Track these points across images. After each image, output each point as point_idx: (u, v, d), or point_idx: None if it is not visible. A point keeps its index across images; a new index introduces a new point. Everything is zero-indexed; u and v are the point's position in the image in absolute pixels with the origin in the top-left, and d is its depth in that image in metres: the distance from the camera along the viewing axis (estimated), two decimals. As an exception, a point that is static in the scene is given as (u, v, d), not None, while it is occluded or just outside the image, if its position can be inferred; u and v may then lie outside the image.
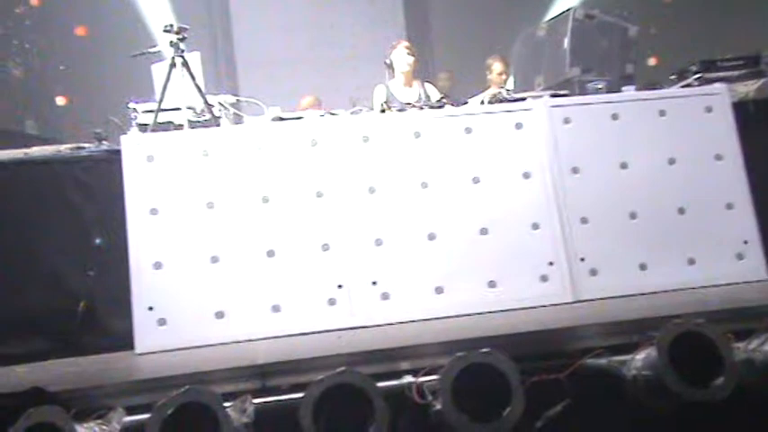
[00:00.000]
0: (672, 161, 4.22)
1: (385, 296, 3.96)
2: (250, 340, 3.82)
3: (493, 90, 6.37)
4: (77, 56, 8.46)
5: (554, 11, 8.05)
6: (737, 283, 4.05)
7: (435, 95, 6.01)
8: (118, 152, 4.03)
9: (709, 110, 4.28)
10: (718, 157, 4.23)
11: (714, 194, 4.19)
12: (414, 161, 4.13)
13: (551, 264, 4.05)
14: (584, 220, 4.11)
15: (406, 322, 3.91)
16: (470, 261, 4.04)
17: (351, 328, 3.88)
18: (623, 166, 4.19)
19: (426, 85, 6.17)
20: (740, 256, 4.14)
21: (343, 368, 2.76)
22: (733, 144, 4.23)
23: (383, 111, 4.67)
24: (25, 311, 3.99)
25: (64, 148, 4.32)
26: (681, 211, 4.17)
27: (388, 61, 6.03)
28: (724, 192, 4.20)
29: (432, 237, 4.05)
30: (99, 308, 4.06)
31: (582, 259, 4.06)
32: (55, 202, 4.10)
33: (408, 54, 6.02)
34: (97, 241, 4.10)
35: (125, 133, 4.33)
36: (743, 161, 4.21)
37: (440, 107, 4.86)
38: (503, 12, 8.66)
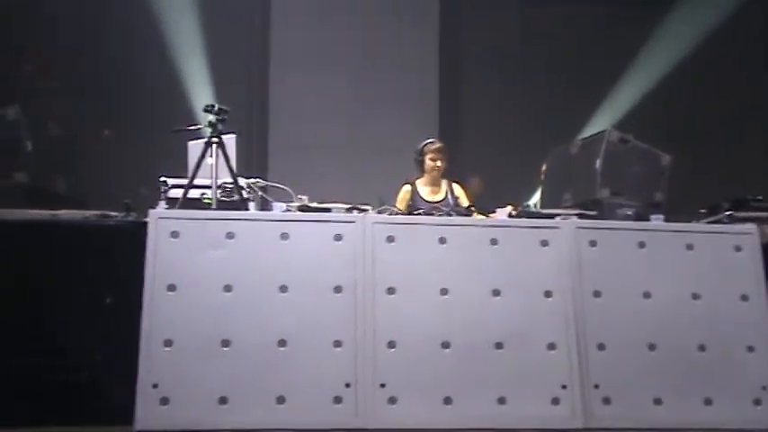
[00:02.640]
0: (696, 296, 4.18)
1: (392, 400, 3.89)
2: (250, 430, 3.75)
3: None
4: (121, 122, 8.64)
5: (588, 131, 8.13)
6: (753, 430, 3.95)
7: (463, 197, 5.97)
8: (144, 224, 4.06)
9: (738, 249, 4.26)
10: (744, 298, 4.19)
11: (736, 335, 4.14)
12: (436, 267, 4.11)
13: (564, 387, 3.97)
14: (601, 347, 4.05)
15: (411, 429, 3.84)
16: (482, 374, 3.98)
17: (354, 429, 3.80)
18: (646, 295, 4.16)
19: (454, 185, 6.09)
20: (758, 402, 4.05)
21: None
22: (760, 286, 4.20)
23: (401, 212, 4.64)
24: (29, 375, 3.95)
25: (91, 215, 4.35)
26: (701, 348, 4.11)
27: (419, 159, 5.98)
28: (746, 334, 4.14)
29: (446, 345, 4.00)
30: (103, 377, 4.01)
31: (596, 386, 3.98)
32: (76, 268, 4.11)
33: (436, 159, 5.93)
34: (107, 300, 4.07)
35: (153, 206, 4.36)
36: (768, 305, 4.17)
37: (467, 215, 4.87)
38: (538, 124, 8.76)
